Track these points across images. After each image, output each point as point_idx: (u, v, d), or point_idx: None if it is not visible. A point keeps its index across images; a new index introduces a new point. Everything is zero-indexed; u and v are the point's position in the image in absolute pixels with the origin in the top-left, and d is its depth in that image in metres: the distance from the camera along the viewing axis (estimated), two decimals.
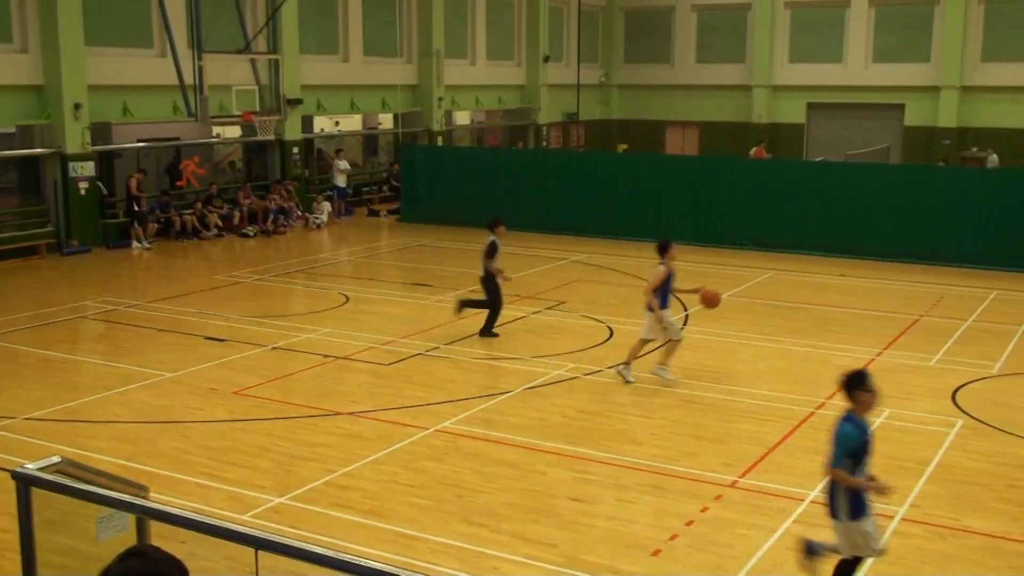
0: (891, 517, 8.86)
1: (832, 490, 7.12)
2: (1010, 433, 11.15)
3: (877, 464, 10.08)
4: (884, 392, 12.44)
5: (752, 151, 35.06)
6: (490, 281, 15.08)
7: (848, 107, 38.30)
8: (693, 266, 21.26)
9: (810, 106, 39.11)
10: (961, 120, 36.25)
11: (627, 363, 12.88)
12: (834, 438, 7.03)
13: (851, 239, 22.17)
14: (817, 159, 30.74)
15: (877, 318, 16.67)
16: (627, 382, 12.73)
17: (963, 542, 8.49)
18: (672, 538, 8.46)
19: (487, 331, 15.09)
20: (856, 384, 7.11)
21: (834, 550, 7.28)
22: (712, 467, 10.04)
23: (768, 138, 37.47)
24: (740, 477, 9.78)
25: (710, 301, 13.31)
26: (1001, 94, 35.64)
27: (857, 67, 38.04)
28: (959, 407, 12.04)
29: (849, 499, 7.03)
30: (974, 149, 34.74)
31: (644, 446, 10.63)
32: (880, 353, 14.45)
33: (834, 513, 7.13)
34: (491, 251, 14.94)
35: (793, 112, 39.35)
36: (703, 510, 9.02)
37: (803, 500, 9.20)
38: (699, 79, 40.94)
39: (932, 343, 15.03)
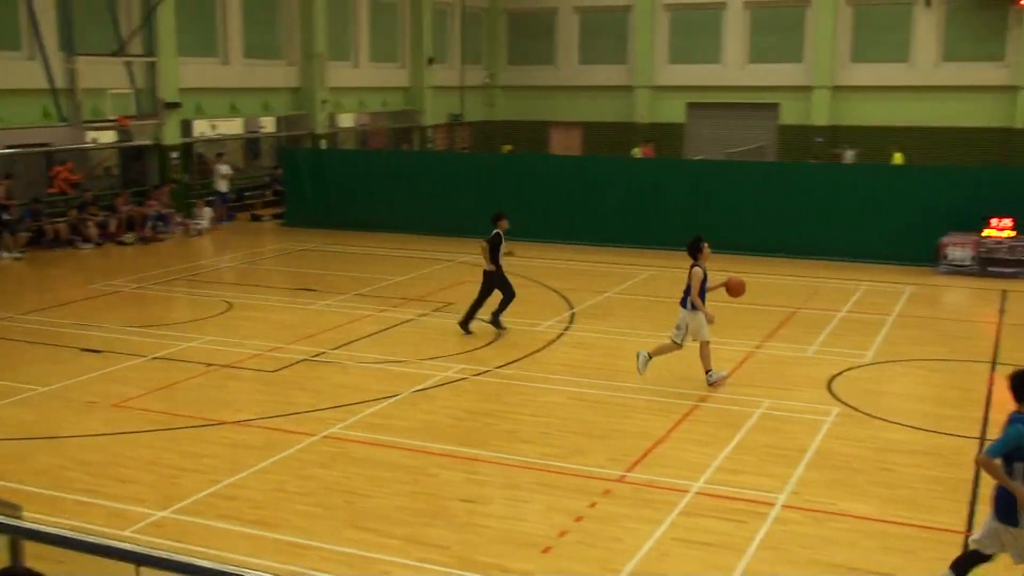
0: (771, 504, 9.15)
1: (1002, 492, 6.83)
2: (881, 419, 11.63)
3: (757, 453, 10.48)
4: (764, 383, 12.97)
5: (638, 150, 35.60)
6: (497, 273, 15.36)
7: (726, 107, 39.31)
8: (576, 264, 21.58)
9: (690, 106, 40.00)
10: (832, 118, 37.63)
11: (709, 370, 12.72)
12: (1004, 434, 6.74)
13: (729, 235, 22.68)
14: (696, 158, 31.46)
15: (756, 312, 17.15)
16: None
17: (840, 525, 8.81)
18: (562, 534, 8.56)
19: (496, 320, 15.44)
20: None
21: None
22: (600, 463, 10.19)
23: (652, 137, 38.13)
24: (628, 472, 9.96)
25: (736, 289, 13.05)
26: (869, 93, 37.14)
27: (734, 68, 39.09)
28: (834, 395, 12.50)
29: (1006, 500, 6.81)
30: (845, 147, 36.00)
31: (533, 444, 10.73)
32: (760, 345, 14.89)
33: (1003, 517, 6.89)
34: (496, 243, 15.23)
35: (674, 112, 40.18)
36: (592, 505, 9.16)
37: (688, 492, 9.43)
38: (582, 80, 41.46)
39: (808, 334, 15.57)
